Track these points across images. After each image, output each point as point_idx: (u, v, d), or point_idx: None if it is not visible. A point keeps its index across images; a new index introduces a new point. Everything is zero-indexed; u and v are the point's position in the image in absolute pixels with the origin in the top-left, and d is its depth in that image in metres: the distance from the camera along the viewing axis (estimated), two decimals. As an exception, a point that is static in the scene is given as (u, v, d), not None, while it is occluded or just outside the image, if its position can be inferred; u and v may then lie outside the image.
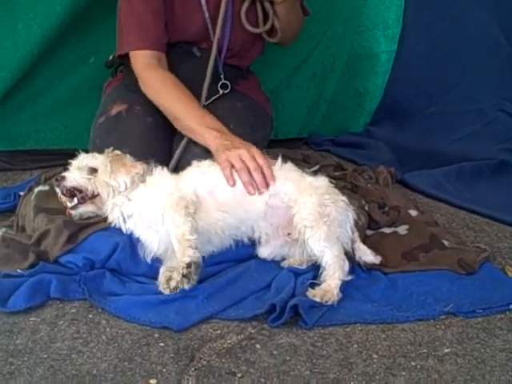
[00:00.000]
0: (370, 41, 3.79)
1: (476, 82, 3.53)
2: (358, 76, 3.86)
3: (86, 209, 2.28)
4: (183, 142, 2.55)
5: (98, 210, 2.30)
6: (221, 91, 2.81)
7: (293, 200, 2.25)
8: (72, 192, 2.26)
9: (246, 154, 2.29)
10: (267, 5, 2.72)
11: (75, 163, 2.31)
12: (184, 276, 2.04)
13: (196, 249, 2.08)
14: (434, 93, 3.66)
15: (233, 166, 2.27)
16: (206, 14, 2.72)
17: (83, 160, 2.31)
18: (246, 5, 2.71)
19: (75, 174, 2.26)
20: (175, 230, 2.11)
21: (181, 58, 2.79)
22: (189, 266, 2.04)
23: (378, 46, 3.77)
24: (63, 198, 2.29)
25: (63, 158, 2.98)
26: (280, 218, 2.28)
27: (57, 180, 2.25)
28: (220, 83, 2.82)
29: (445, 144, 3.41)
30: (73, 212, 2.28)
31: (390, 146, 3.56)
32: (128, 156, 2.36)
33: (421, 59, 3.68)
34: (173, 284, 2.06)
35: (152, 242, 2.21)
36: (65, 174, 2.27)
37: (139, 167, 2.31)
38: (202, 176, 2.30)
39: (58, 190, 2.27)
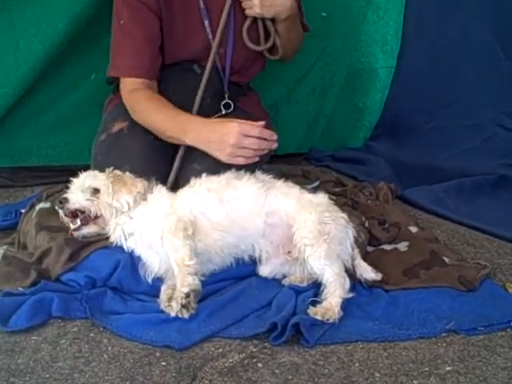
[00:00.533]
0: (368, 56, 3.81)
1: (475, 96, 3.55)
2: (357, 91, 3.87)
3: (89, 230, 2.29)
4: (178, 158, 2.57)
5: (100, 231, 2.30)
6: (223, 111, 2.82)
7: (292, 218, 2.25)
8: (74, 213, 2.27)
9: (237, 140, 2.38)
10: (268, 23, 2.74)
11: (77, 183, 2.31)
12: (183, 306, 2.03)
13: (196, 274, 2.08)
14: (433, 108, 3.68)
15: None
16: (210, 35, 2.72)
17: (85, 180, 2.30)
18: (247, 23, 2.72)
19: (78, 195, 2.26)
20: (174, 254, 2.12)
21: (181, 75, 2.79)
22: (187, 295, 2.04)
23: (376, 61, 3.79)
24: (66, 219, 2.29)
25: (64, 174, 3.01)
26: (280, 236, 2.28)
27: (60, 202, 2.25)
28: (223, 102, 2.82)
29: (444, 159, 3.42)
30: (76, 233, 2.28)
31: (390, 161, 3.56)
32: (128, 174, 2.37)
33: (420, 74, 3.69)
34: (172, 313, 2.05)
35: (153, 262, 2.21)
36: (67, 195, 2.27)
37: (140, 185, 2.31)
38: (194, 196, 2.29)
39: (60, 211, 2.27)
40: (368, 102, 3.85)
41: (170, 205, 2.25)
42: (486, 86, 3.53)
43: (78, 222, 2.26)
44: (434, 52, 3.66)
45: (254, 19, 2.73)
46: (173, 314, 2.05)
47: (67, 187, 2.35)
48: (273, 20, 2.74)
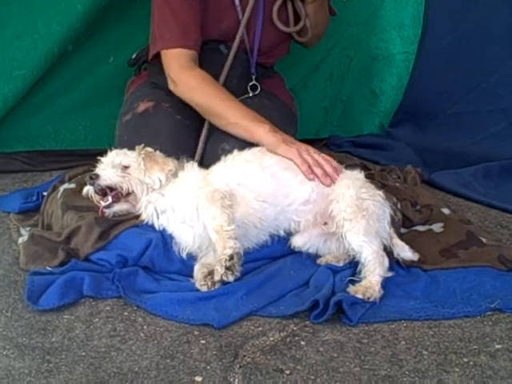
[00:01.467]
0: (386, 42, 3.76)
1: (499, 80, 3.48)
2: (374, 77, 3.82)
3: (121, 207, 2.22)
4: (202, 137, 2.53)
5: (131, 208, 2.24)
6: (251, 93, 2.77)
7: (331, 188, 2.21)
8: (104, 190, 2.20)
9: (309, 148, 2.31)
10: (299, 4, 2.69)
11: (107, 160, 2.24)
12: (227, 268, 1.98)
13: (236, 239, 2.02)
14: (456, 93, 3.61)
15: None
16: (240, 15, 2.67)
17: (116, 157, 2.24)
18: (277, 4, 2.67)
19: (109, 171, 2.19)
20: (212, 222, 2.05)
21: (207, 55, 2.73)
22: (231, 257, 1.98)
23: (393, 47, 3.74)
24: (96, 197, 2.22)
25: (82, 158, 3.00)
26: (317, 205, 2.22)
27: (91, 178, 2.18)
28: (250, 84, 2.77)
29: (469, 144, 3.36)
30: (107, 211, 2.21)
31: (412, 146, 3.51)
32: (158, 152, 2.31)
33: (442, 59, 3.63)
34: (216, 277, 1.99)
35: (186, 237, 2.15)
36: (98, 172, 2.20)
37: (171, 164, 2.25)
38: (229, 169, 2.24)
39: (91, 188, 2.20)
40: (384, 87, 3.80)
41: (203, 178, 2.20)
42: (510, 70, 3.47)
43: (110, 199, 2.19)
44: (457, 36, 3.60)
45: (284, 1, 2.68)
46: (217, 279, 1.99)
47: (90, 169, 2.29)
48: (302, 1, 2.69)
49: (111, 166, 2.21)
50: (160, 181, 2.20)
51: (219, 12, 2.68)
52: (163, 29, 2.61)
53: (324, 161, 2.28)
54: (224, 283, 2.04)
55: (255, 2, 2.63)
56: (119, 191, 2.20)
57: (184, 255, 2.15)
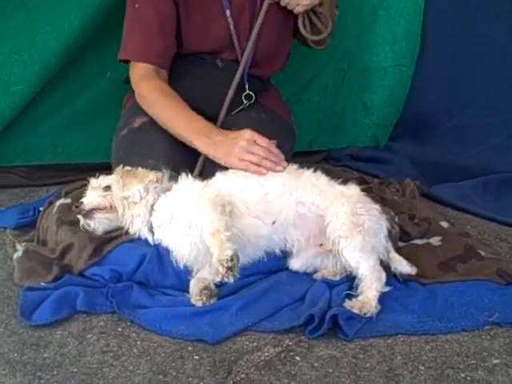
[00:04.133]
0: (379, 55, 3.75)
1: (498, 94, 3.46)
2: (366, 89, 3.82)
3: (101, 216, 2.21)
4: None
5: (114, 220, 2.23)
6: (245, 102, 2.75)
7: (322, 209, 2.19)
8: (92, 213, 2.21)
9: (246, 143, 2.30)
10: (318, 9, 2.66)
11: (90, 185, 2.27)
12: (229, 268, 1.94)
13: (232, 243, 2.00)
14: (454, 107, 3.58)
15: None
16: (231, 25, 2.66)
17: (96, 182, 2.27)
18: (300, 20, 2.65)
19: (90, 195, 2.23)
20: (209, 225, 2.03)
21: (203, 69, 2.73)
22: (232, 258, 1.95)
23: (386, 60, 3.74)
24: (85, 222, 2.23)
25: (80, 172, 2.99)
26: (310, 228, 2.21)
27: (76, 207, 2.22)
28: (244, 94, 2.75)
29: (468, 157, 3.33)
30: (90, 222, 2.21)
31: (412, 160, 3.48)
32: (140, 168, 2.31)
33: (441, 72, 3.61)
34: (218, 278, 1.97)
35: (183, 247, 2.13)
36: (82, 199, 2.23)
37: (152, 175, 2.26)
38: (228, 179, 2.24)
39: (80, 217, 2.21)
40: (376, 99, 3.79)
41: (205, 185, 2.20)
42: (508, 84, 3.45)
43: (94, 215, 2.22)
44: (455, 50, 3.57)
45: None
46: (218, 279, 1.98)
47: (85, 184, 2.30)
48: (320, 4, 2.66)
49: (92, 190, 2.24)
50: (139, 192, 2.20)
51: (207, 21, 2.66)
52: (127, 39, 2.64)
53: (265, 153, 2.29)
54: (219, 298, 2.03)
55: (260, 10, 2.59)
56: (105, 210, 2.21)
57: (182, 266, 2.14)
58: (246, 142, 2.31)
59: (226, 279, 1.95)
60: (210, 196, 2.10)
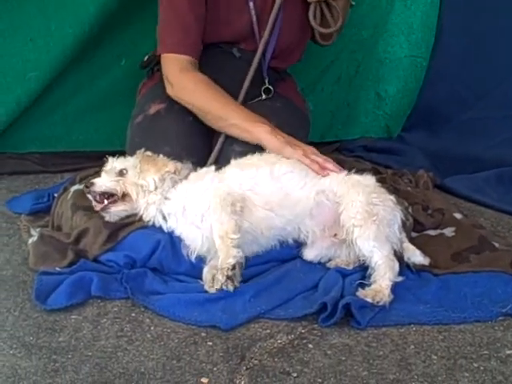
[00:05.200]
0: (394, 46, 3.75)
1: (512, 86, 3.45)
2: (380, 80, 3.81)
3: (117, 208, 2.22)
4: (221, 139, 2.52)
5: (130, 210, 2.23)
6: (264, 96, 2.76)
7: (339, 197, 2.19)
8: (102, 197, 2.22)
9: (314, 150, 2.33)
10: (332, 3, 2.67)
11: (106, 167, 2.27)
12: (228, 278, 1.98)
13: (239, 248, 2.02)
14: (469, 98, 3.56)
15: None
16: (254, 17, 2.66)
17: (112, 163, 2.27)
18: (312, 9, 2.66)
19: (103, 178, 2.22)
20: (219, 227, 2.05)
21: (219, 59, 2.73)
22: (234, 267, 1.98)
23: (401, 50, 3.74)
24: (95, 203, 2.23)
25: (94, 160, 2.99)
26: (326, 217, 2.21)
27: (86, 187, 2.21)
28: (263, 88, 2.76)
29: (482, 150, 3.31)
30: (106, 215, 2.22)
31: (425, 151, 3.47)
32: (161, 156, 2.31)
33: (456, 64, 3.59)
34: (217, 286, 2.00)
35: (195, 239, 2.14)
36: (94, 180, 2.23)
37: (170, 166, 2.25)
38: (242, 173, 2.23)
39: (89, 196, 2.22)
40: (390, 90, 3.79)
41: (219, 179, 2.19)
42: (525, 76, 3.43)
43: (105, 201, 2.21)
44: (470, 41, 3.56)
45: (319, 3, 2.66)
46: (217, 287, 1.99)
47: (100, 171, 2.30)
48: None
49: (106, 173, 2.24)
50: (154, 181, 2.20)
51: (231, 12, 2.66)
52: (165, 33, 2.62)
53: (326, 160, 2.32)
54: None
55: (279, 4, 2.59)
56: (115, 195, 2.21)
57: (193, 258, 2.14)
58: (313, 149, 2.35)
59: (224, 287, 1.98)
60: (221, 194, 2.10)
